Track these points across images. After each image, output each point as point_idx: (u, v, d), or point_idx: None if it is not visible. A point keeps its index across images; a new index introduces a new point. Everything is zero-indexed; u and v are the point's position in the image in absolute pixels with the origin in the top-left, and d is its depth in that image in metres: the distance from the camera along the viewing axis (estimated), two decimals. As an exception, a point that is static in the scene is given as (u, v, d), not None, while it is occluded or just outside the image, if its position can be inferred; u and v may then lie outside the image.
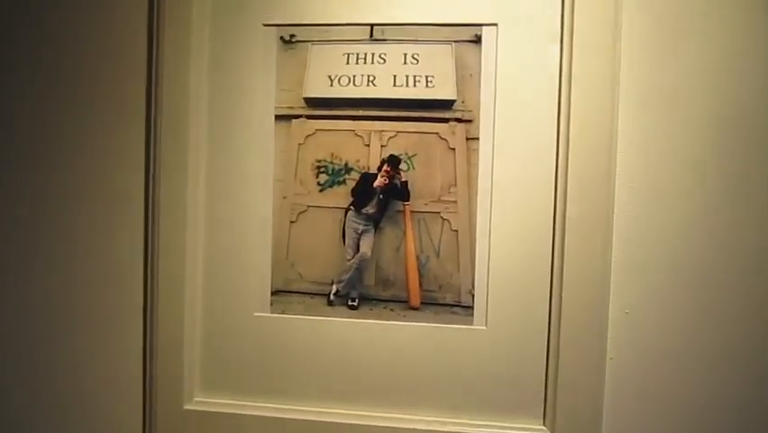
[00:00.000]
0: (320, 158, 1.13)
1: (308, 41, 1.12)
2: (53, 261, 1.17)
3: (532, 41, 1.06)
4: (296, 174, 1.14)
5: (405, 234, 1.10)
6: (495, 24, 1.06)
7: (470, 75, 1.08)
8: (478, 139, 1.09)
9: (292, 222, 1.13)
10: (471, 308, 1.09)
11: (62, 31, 1.14)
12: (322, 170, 1.13)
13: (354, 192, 1.12)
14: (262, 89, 1.13)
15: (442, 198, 1.10)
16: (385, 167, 1.10)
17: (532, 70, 1.07)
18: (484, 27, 1.07)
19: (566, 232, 1.05)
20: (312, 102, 1.12)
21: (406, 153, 1.11)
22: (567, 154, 1.06)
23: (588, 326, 1.04)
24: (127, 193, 1.17)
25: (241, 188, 1.16)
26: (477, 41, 1.08)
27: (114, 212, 1.17)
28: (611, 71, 1.03)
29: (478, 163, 1.09)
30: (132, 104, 1.15)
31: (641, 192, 1.06)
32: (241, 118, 1.15)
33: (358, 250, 1.12)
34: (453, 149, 1.09)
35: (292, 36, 1.12)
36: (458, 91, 1.09)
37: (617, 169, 1.06)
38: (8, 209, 1.16)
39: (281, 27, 1.12)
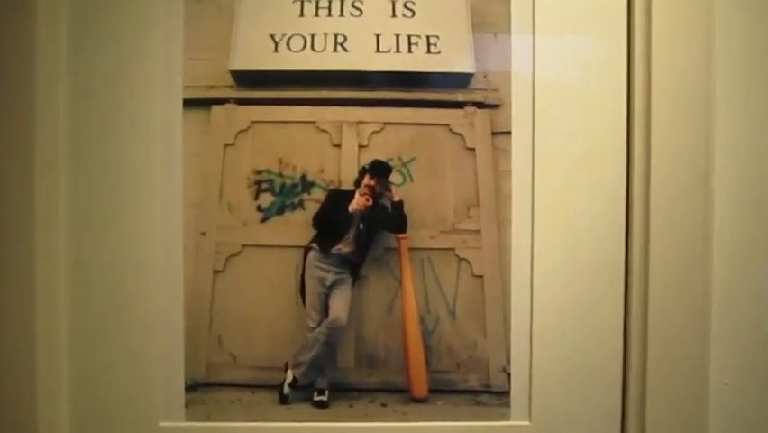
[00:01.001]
0: (261, 167, 0.86)
1: None
2: None
3: None
4: (221, 194, 0.86)
5: (401, 284, 0.86)
6: (531, -44, 0.87)
7: (495, 35, 0.85)
8: (509, 133, 0.85)
9: (217, 272, 0.86)
10: (507, 394, 0.85)
11: None
12: (264, 186, 0.86)
13: (318, 221, 0.86)
14: (159, 57, 0.84)
15: (457, 227, 0.87)
16: (366, 180, 0.86)
17: (589, 26, 0.84)
18: None
19: (649, 277, 0.81)
20: (244, 78, 0.87)
21: (400, 158, 0.86)
22: (648, 157, 0.81)
23: (680, 415, 0.80)
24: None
25: (126, 221, 0.84)
26: None
27: None
28: (705, 24, 0.81)
29: (510, 171, 0.85)
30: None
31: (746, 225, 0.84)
32: (122, 107, 0.84)
33: (326, 313, 0.86)
34: (472, 149, 0.86)
35: None
36: (477, 60, 0.86)
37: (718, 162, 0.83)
38: None
39: None
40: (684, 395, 0.82)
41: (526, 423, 0.83)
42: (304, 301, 0.85)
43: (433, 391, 0.84)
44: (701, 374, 0.83)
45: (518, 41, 0.84)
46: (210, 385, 0.84)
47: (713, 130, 0.84)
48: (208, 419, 0.83)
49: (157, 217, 0.83)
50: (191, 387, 0.84)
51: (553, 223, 0.84)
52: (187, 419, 0.83)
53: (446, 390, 0.85)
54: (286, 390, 0.84)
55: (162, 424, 0.82)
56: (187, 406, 0.83)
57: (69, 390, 0.83)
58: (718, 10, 0.84)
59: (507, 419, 0.83)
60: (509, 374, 0.84)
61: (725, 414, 0.85)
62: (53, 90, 0.82)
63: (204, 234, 0.85)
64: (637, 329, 0.83)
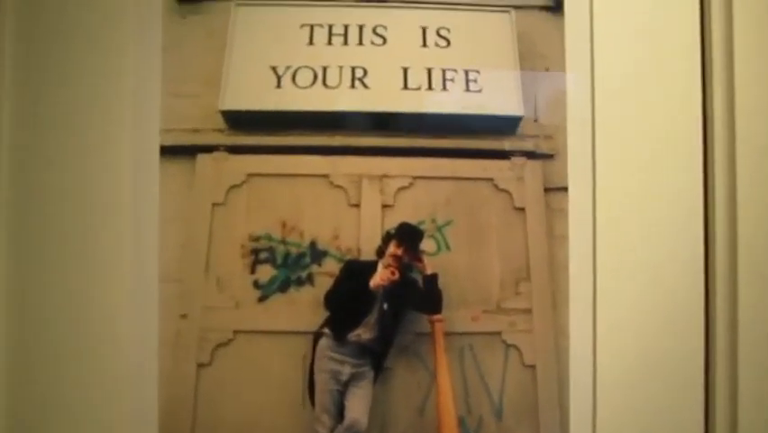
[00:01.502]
0: (259, 232, 0.74)
1: None
2: None
3: (657, 7, 0.73)
4: (207, 266, 0.73)
5: (435, 378, 0.73)
6: (588, -23, 0.78)
7: (547, 69, 0.75)
8: (566, 190, 0.74)
9: (202, 365, 0.72)
10: None
11: None
12: (263, 256, 0.73)
13: (332, 300, 0.74)
14: (132, 93, 0.70)
15: (503, 306, 0.75)
16: (392, 248, 0.75)
17: (658, 59, 0.73)
18: None
19: (738, 358, 0.69)
20: (239, 120, 0.76)
21: (433, 221, 0.75)
22: (733, 219, 0.71)
23: None
24: None
25: (87, 300, 0.69)
26: (556, 6, 0.75)
27: None
28: None
29: (567, 236, 0.74)
30: None
31: None
32: (85, 154, 0.70)
33: (342, 417, 0.73)
34: (521, 209, 0.76)
35: None
36: (526, 101, 0.76)
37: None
38: None
39: None
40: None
41: None
42: (313, 402, 0.72)
43: None
44: None
45: (575, 77, 0.73)
46: None
47: None
48: None
49: (125, 296, 0.69)
50: None
51: (621, 301, 0.72)
52: None
53: None
54: None
55: None
56: None
57: None
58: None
59: None
60: None
61: None
62: None
63: (185, 316, 0.71)
64: (723, 423, 0.71)
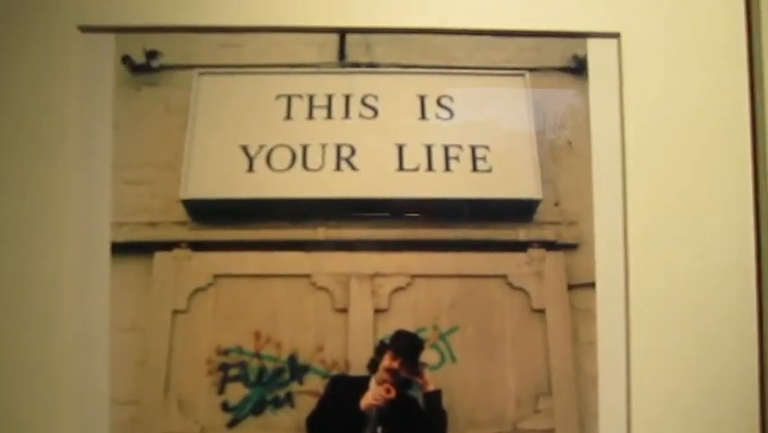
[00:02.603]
0: (228, 345, 0.65)
1: (191, 67, 0.67)
2: None
3: (693, 68, 0.67)
4: (167, 386, 0.64)
5: None
6: (616, 35, 0.67)
7: (569, 143, 0.67)
8: (593, 286, 0.66)
9: None
10: None
11: None
12: (233, 373, 0.64)
13: (316, 424, 0.65)
14: (79, 182, 0.64)
15: (521, 426, 0.66)
16: (387, 360, 0.66)
17: (701, 129, 0.67)
18: (591, 40, 0.67)
19: None
20: (203, 210, 0.68)
21: (436, 327, 0.66)
22: None
23: None
24: None
25: (25, 427, 0.62)
26: (578, 68, 0.67)
27: None
28: None
29: (596, 342, 0.66)
30: None
31: None
32: (20, 253, 0.63)
33: None
34: (541, 311, 0.67)
35: (152, 55, 0.67)
36: (544, 181, 0.68)
37: None
38: None
39: (125, 34, 0.66)
40: None
41: None
42: None
43: None
44: None
45: (602, 153, 0.65)
46: None
47: None
48: None
49: (71, 422, 0.61)
50: None
51: (660, 421, 0.63)
52: None
53: None
54: None
55: None
56: None
57: None
58: None
59: None
60: None
61: None
62: None
63: None
64: None
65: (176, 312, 0.63)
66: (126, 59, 0.63)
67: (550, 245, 0.65)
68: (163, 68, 0.64)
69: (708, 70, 0.66)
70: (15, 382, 0.62)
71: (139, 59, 0.63)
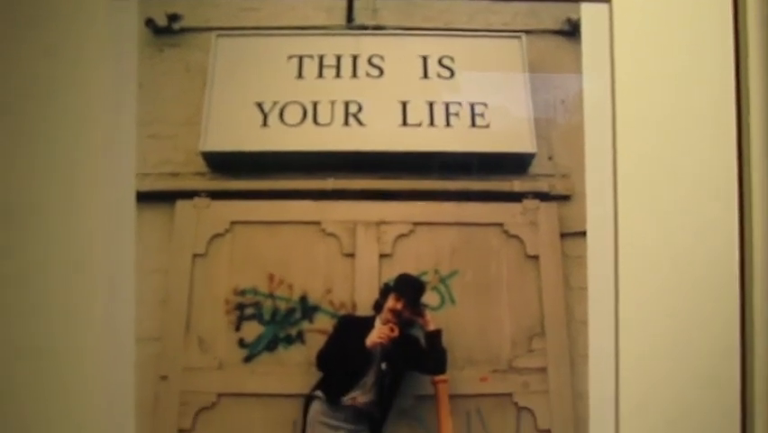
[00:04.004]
0: (244, 286, 0.74)
1: (209, 29, 0.75)
2: None
3: (681, 33, 0.73)
4: (188, 324, 0.74)
5: None
6: (607, 0, 0.74)
7: (562, 101, 0.75)
8: (584, 235, 0.74)
9: (184, 431, 0.73)
10: None
11: None
12: (249, 312, 0.74)
13: (325, 360, 0.74)
14: (106, 136, 0.72)
15: (516, 365, 0.75)
16: (391, 302, 0.75)
17: (687, 87, 0.74)
18: (584, 4, 0.74)
19: None
20: (221, 162, 0.77)
21: (437, 271, 0.75)
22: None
23: None
24: None
25: (57, 361, 0.70)
26: (571, 31, 0.75)
27: None
28: None
29: (587, 287, 0.74)
30: None
31: None
32: (54, 201, 0.71)
33: None
34: (535, 257, 0.76)
35: (174, 18, 0.75)
36: (539, 136, 0.76)
37: None
38: None
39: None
40: None
41: None
42: None
43: None
44: None
45: (594, 110, 0.73)
46: None
47: None
48: None
49: (99, 357, 0.70)
50: None
51: (646, 360, 0.72)
52: None
53: None
54: None
55: None
56: None
57: None
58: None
59: None
60: None
61: None
62: None
63: (165, 378, 0.72)
64: None
65: (196, 256, 0.72)
66: (149, 22, 0.71)
67: (543, 196, 0.73)
68: (184, 30, 0.73)
69: (695, 33, 0.73)
70: (47, 319, 0.71)
71: (161, 21, 0.71)
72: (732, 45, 0.75)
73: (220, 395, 0.72)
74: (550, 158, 0.73)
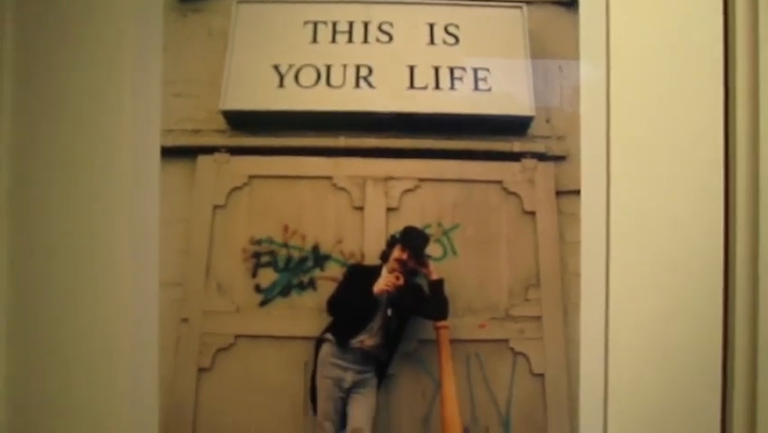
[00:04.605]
0: (260, 235, 0.80)
1: None
2: None
3: (674, 3, 0.78)
4: (208, 270, 0.80)
5: (440, 386, 0.79)
6: (604, -28, 0.79)
7: (560, 68, 0.80)
8: (578, 193, 0.79)
9: (203, 370, 0.79)
10: None
11: None
12: (264, 260, 0.80)
13: (335, 306, 0.80)
14: (131, 93, 0.78)
15: (512, 313, 0.80)
16: (396, 252, 0.81)
17: (678, 54, 0.78)
18: None
19: (758, 381, 0.75)
20: (240, 120, 0.82)
21: (440, 224, 0.81)
22: (755, 223, 0.75)
23: None
24: None
25: (87, 304, 0.77)
26: (570, 1, 0.80)
27: None
28: None
29: (579, 241, 0.79)
30: None
31: None
32: (85, 155, 0.78)
33: (344, 424, 0.79)
34: (532, 213, 0.81)
35: None
36: (537, 100, 0.81)
37: None
38: None
39: None
40: None
41: None
42: (315, 409, 0.78)
43: None
44: None
45: (589, 75, 0.78)
46: None
47: None
48: None
49: (125, 301, 0.76)
50: None
51: (635, 310, 0.78)
52: None
53: None
54: None
55: None
56: None
57: None
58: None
59: None
60: None
61: None
62: None
63: (186, 321, 0.78)
64: None
65: (216, 207, 0.78)
66: None
67: (541, 156, 0.79)
68: None
69: (687, 4, 0.79)
70: (78, 265, 0.77)
71: None
72: (721, 17, 0.81)
73: (237, 337, 0.77)
74: (547, 121, 0.78)
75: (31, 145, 0.78)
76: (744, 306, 0.77)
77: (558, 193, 0.79)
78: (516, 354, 0.78)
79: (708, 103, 0.79)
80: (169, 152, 0.78)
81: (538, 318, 0.78)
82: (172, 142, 0.76)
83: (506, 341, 0.78)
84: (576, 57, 0.78)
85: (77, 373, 0.78)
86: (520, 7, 0.78)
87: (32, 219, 0.77)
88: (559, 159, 0.78)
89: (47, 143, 0.78)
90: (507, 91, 0.78)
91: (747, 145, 0.77)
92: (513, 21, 0.77)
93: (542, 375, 0.78)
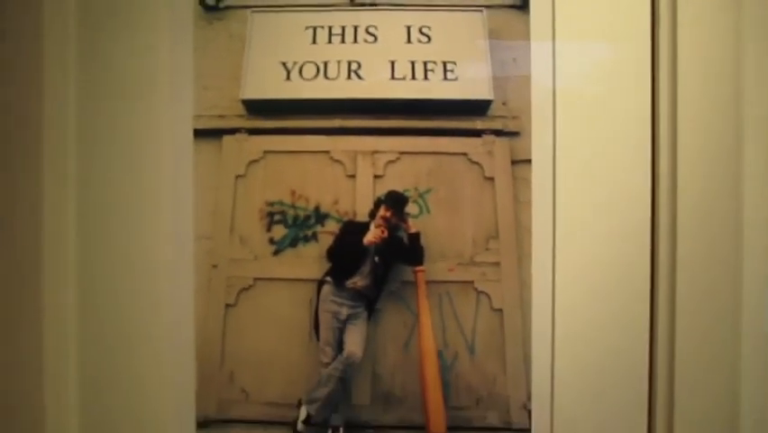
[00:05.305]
0: (273, 199, 0.95)
1: (247, 7, 0.96)
2: None
3: (609, 3, 0.88)
4: (232, 227, 0.95)
5: (418, 319, 0.94)
6: (550, -20, 0.92)
7: (514, 59, 0.93)
8: (529, 162, 0.88)
9: (229, 306, 0.95)
10: (528, 431, 0.89)
11: None
12: (277, 218, 0.95)
13: (332, 254, 0.95)
14: (170, 87, 0.89)
15: (476, 260, 0.94)
16: (382, 211, 0.94)
17: (612, 50, 0.89)
18: None
19: (675, 313, 0.84)
20: (256, 107, 0.96)
21: (416, 188, 0.94)
22: (674, 183, 0.86)
23: None
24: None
25: (136, 255, 0.89)
26: (522, 5, 0.91)
27: None
28: (735, 42, 0.84)
29: (531, 201, 0.89)
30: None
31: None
32: (133, 137, 0.89)
33: (341, 349, 0.94)
34: (491, 179, 0.94)
35: None
36: (495, 86, 0.93)
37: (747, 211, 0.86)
38: None
39: None
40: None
41: (549, 463, 0.91)
42: (318, 336, 0.93)
43: (451, 428, 0.92)
44: (731, 406, 0.86)
45: (539, 66, 0.89)
46: (222, 422, 0.93)
47: (743, 146, 0.86)
48: (221, 456, 0.92)
49: (167, 250, 0.88)
50: (203, 423, 0.91)
51: (575, 255, 0.87)
52: (199, 457, 0.94)
53: (465, 427, 0.92)
54: (299, 427, 0.92)
55: (173, 461, 0.93)
56: (199, 443, 0.93)
57: (80, 426, 0.95)
58: (746, 13, 0.90)
59: (529, 458, 0.92)
60: (530, 411, 0.90)
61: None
62: (62, 120, 0.91)
63: (215, 266, 0.93)
64: (664, 362, 0.87)
65: (237, 177, 0.94)
66: (202, 2, 0.93)
67: (498, 133, 0.93)
68: (227, 8, 0.94)
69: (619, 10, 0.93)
70: (132, 222, 0.91)
71: (210, 1, 0.93)
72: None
73: (255, 279, 0.94)
74: (504, 103, 0.92)
75: (94, 129, 0.93)
76: (666, 248, 0.90)
77: (513, 162, 0.93)
78: (479, 292, 0.94)
79: (636, 89, 0.88)
80: (199, 134, 0.90)
81: (497, 264, 0.93)
82: (202, 125, 0.92)
83: (471, 282, 0.94)
84: (527, 50, 0.89)
85: (128, 310, 0.94)
86: (481, 11, 0.92)
87: (95, 184, 0.93)
88: (513, 134, 0.93)
89: (106, 128, 0.93)
90: (470, 79, 0.92)
91: (669, 109, 0.90)
92: (475, 22, 0.92)
93: (500, 310, 0.93)
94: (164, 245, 0.87)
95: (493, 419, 0.93)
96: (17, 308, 0.88)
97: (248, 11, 0.93)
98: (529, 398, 0.89)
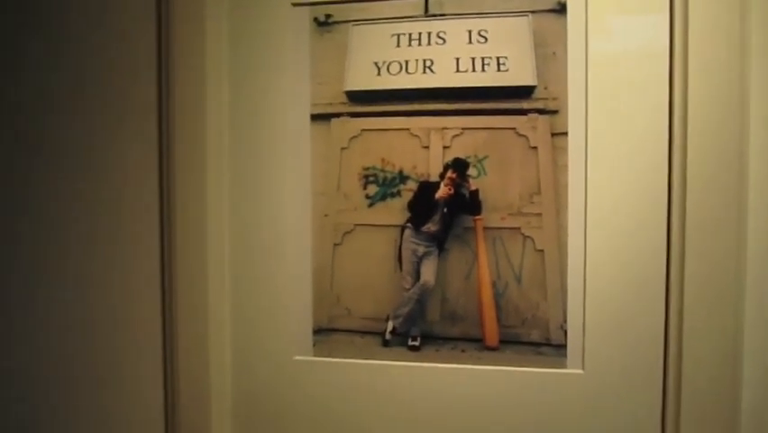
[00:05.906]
0: (368, 165, 1.13)
1: (348, 22, 1.12)
2: (55, 290, 1.22)
3: (633, 9, 1.04)
4: (339, 186, 1.15)
5: (476, 256, 1.10)
6: (584, -9, 0.99)
7: (554, 53, 1.06)
8: (566, 134, 1.06)
9: (336, 245, 1.15)
10: (564, 347, 1.08)
11: (66, 28, 1.18)
12: (371, 179, 1.13)
13: (412, 206, 1.12)
14: (294, 83, 1.14)
15: (522, 211, 1.09)
16: (449, 173, 1.10)
17: (634, 46, 1.04)
18: None
19: (686, 250, 1.01)
20: (355, 96, 1.13)
21: (476, 156, 1.10)
22: (684, 150, 1.01)
23: (717, 367, 1.00)
24: (135, 217, 1.18)
25: (271, 206, 1.16)
26: (560, 9, 1.05)
27: (124, 240, 1.19)
28: (739, 38, 0.97)
29: (567, 165, 1.06)
30: (139, 110, 1.18)
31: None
32: (269, 120, 1.16)
33: (418, 278, 1.12)
34: (535, 148, 1.07)
35: (328, 17, 1.13)
36: (538, 75, 1.07)
37: (752, 164, 1.01)
38: (7, 223, 1.21)
39: (314, 6, 1.13)
40: (721, 358, 0.99)
41: (580, 371, 1.06)
42: (401, 268, 1.11)
43: (502, 341, 1.09)
44: (737, 324, 0.99)
45: (573, 58, 1.04)
46: (331, 330, 1.15)
47: (748, 120, 0.99)
48: (330, 355, 1.15)
49: (292, 204, 1.14)
50: (317, 331, 1.15)
51: (603, 207, 1.03)
52: (315, 355, 1.15)
53: (513, 341, 1.09)
54: (387, 336, 1.13)
55: (296, 358, 1.16)
56: (314, 345, 1.15)
57: (232, 332, 1.18)
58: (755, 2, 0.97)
59: (564, 367, 1.07)
60: (566, 331, 1.06)
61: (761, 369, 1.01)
62: (219, 111, 1.18)
63: (326, 216, 1.12)
64: (676, 291, 1.02)
65: (342, 149, 1.12)
66: (315, 19, 1.12)
67: (541, 111, 1.05)
68: (334, 23, 1.13)
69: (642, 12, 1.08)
70: (269, 185, 1.15)
71: (321, 19, 1.13)
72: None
73: (355, 225, 1.12)
74: (545, 88, 1.05)
75: (241, 116, 1.18)
76: (678, 198, 1.02)
77: (553, 134, 1.05)
78: (525, 237, 1.07)
79: (654, 82, 1.03)
80: (315, 118, 1.11)
81: (539, 214, 1.06)
82: (316, 111, 1.11)
83: (518, 228, 1.07)
84: (565, 46, 1.04)
85: (268, 247, 1.17)
86: (527, 15, 1.06)
87: (244, 155, 1.17)
88: (553, 112, 1.05)
89: (250, 115, 1.17)
90: (518, 70, 1.07)
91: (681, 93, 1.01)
92: (522, 25, 1.06)
93: (542, 251, 1.07)
94: (290, 200, 1.16)
95: (536, 336, 1.10)
96: (193, 249, 1.17)
97: (349, 24, 1.11)
98: (565, 320, 1.07)
